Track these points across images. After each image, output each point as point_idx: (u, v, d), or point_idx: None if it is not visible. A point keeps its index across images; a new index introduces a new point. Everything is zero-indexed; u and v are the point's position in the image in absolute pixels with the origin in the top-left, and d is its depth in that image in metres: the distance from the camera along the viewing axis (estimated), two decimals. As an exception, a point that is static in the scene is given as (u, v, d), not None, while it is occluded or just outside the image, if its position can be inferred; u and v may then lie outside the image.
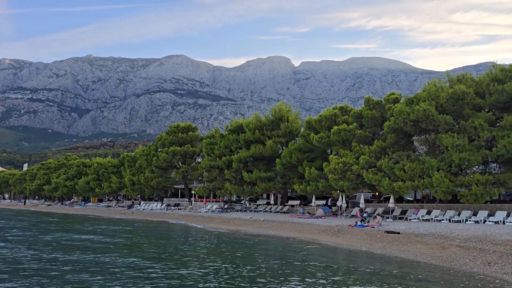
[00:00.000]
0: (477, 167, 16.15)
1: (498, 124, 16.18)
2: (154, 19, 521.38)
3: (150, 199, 39.87)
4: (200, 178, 32.72)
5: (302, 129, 25.38)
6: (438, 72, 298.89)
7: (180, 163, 33.22)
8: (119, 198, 44.55)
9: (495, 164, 16.45)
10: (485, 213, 15.15)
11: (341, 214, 20.29)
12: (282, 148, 26.28)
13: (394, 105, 19.43)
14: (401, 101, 19.72)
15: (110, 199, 45.24)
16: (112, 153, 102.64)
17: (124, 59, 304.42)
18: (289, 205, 25.17)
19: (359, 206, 20.39)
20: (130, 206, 37.20)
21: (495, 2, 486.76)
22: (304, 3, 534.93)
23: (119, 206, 39.10)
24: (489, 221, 14.58)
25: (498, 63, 17.04)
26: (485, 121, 15.63)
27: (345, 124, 20.70)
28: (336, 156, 20.08)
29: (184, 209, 31.20)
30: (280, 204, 26.40)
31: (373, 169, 18.41)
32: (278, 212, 24.19)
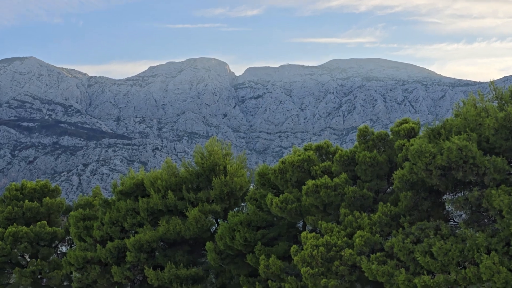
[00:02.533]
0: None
1: None
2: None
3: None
4: (66, 284, 30.41)
5: (251, 187, 25.42)
6: (479, 83, 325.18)
7: (27, 257, 30.80)
8: None
9: None
10: None
11: None
12: (217, 223, 25.88)
13: (408, 141, 19.91)
14: (420, 133, 20.17)
15: None
16: None
17: None
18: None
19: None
20: None
21: None
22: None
23: None
24: None
25: None
26: None
27: (326, 176, 20.64)
28: (314, 233, 19.41)
29: None
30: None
31: (378, 254, 17.70)
32: None
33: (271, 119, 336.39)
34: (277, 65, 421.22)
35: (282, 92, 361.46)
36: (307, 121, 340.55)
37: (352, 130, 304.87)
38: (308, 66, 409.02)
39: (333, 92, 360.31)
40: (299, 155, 22.53)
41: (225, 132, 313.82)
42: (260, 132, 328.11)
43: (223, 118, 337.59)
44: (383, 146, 21.57)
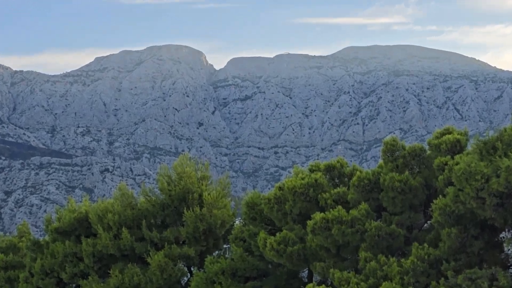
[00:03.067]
0: None
1: None
2: None
3: None
4: None
5: (237, 223, 25.86)
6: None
7: None
8: None
9: None
10: None
11: None
12: (190, 272, 25.81)
13: (453, 158, 20.12)
14: (469, 148, 20.64)
15: None
16: None
17: None
18: None
19: None
20: None
21: None
22: None
23: None
24: None
25: None
26: None
27: (340, 207, 20.83)
28: (324, 286, 19.90)
29: None
30: None
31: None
32: None
33: (264, 129, 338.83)
34: (272, 55, 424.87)
35: (278, 91, 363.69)
36: (314, 132, 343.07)
37: (375, 144, 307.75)
38: (314, 56, 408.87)
39: (348, 92, 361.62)
40: (303, 179, 22.84)
41: (201, 147, 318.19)
42: (249, 147, 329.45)
43: (198, 128, 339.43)
44: (418, 165, 21.91)
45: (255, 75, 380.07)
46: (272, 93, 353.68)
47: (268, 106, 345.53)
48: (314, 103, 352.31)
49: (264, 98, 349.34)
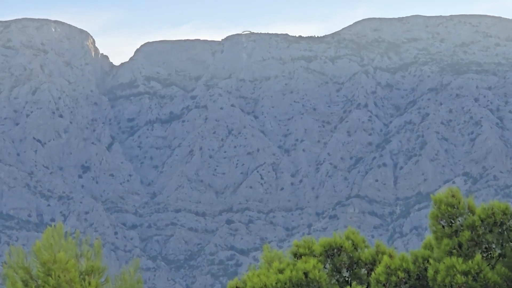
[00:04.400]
0: None
1: None
2: None
3: None
4: None
5: None
6: None
7: None
8: None
9: None
10: None
11: None
12: None
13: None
14: None
15: None
16: None
17: None
18: None
19: None
20: None
21: None
22: None
23: None
24: None
25: None
26: None
27: None
28: None
29: None
30: None
31: None
32: None
33: (206, 176, 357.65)
34: (220, 37, 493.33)
35: (233, 104, 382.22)
36: (301, 182, 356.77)
37: (418, 203, 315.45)
38: (300, 37, 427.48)
39: (366, 105, 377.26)
40: (281, 272, 27.27)
41: (87, 212, 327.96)
42: (178, 211, 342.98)
43: (80, 177, 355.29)
44: (499, 243, 26.31)
45: (187, 74, 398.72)
46: (221, 108, 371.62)
47: (214, 132, 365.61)
48: (301, 127, 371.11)
49: (206, 118, 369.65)
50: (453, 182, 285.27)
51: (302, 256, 27.20)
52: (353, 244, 27.21)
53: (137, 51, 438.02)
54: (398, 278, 24.37)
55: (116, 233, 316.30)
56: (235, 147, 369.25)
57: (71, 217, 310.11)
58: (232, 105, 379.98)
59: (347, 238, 27.37)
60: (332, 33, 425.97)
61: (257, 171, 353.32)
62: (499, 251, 24.96)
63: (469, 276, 23.07)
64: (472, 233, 24.60)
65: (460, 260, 23.43)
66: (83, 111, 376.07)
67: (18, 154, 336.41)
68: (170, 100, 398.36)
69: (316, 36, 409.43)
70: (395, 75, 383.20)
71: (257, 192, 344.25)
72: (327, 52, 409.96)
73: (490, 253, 24.79)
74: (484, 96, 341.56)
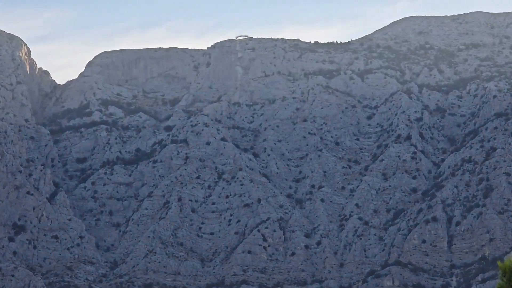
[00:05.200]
0: None
1: None
2: None
3: None
4: None
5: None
6: None
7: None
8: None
9: None
10: None
11: None
12: None
13: None
14: None
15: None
16: None
17: None
18: None
19: None
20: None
21: None
22: None
23: None
24: None
25: None
26: None
27: None
28: None
29: None
30: None
31: None
32: None
33: (188, 237, 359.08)
34: (205, 44, 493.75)
35: (224, 133, 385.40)
36: (320, 247, 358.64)
37: (487, 269, 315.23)
38: (316, 43, 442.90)
39: (408, 137, 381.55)
40: None
41: (24, 286, 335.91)
42: (148, 286, 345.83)
43: (11, 237, 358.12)
44: None
45: (160, 97, 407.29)
46: (208, 142, 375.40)
47: (197, 177, 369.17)
48: (318, 168, 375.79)
49: (187, 157, 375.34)
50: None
51: None
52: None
53: (89, 64, 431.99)
54: None
55: None
56: (227, 197, 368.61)
57: None
58: (222, 139, 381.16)
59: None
60: (361, 38, 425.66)
61: (259, 230, 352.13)
62: None
63: None
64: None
65: None
66: (14, 148, 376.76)
67: None
68: (137, 132, 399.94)
69: (338, 42, 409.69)
70: (448, 96, 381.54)
71: (259, 259, 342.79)
72: (354, 65, 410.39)
73: None
74: None
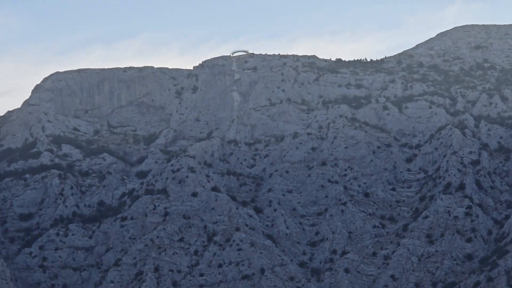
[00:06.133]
0: None
1: None
2: None
3: None
4: None
5: None
6: None
7: None
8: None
9: None
10: None
11: None
12: None
13: None
14: None
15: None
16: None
17: None
18: None
19: None
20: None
21: None
22: None
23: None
24: None
25: None
26: None
27: None
28: None
29: None
30: None
31: None
32: None
33: None
34: (191, 64, 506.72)
35: (217, 181, 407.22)
36: None
37: None
38: (338, 61, 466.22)
39: (453, 186, 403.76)
40: None
41: None
42: None
43: None
44: None
45: (131, 132, 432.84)
46: (195, 193, 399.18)
47: (181, 239, 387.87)
48: (342, 228, 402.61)
49: (166, 214, 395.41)
50: None
51: None
52: None
53: (37, 88, 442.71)
54: None
55: None
56: (220, 266, 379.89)
57: None
58: (214, 189, 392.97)
59: None
60: (398, 54, 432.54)
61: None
62: None
63: None
64: None
65: None
66: None
67: None
68: (99, 180, 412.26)
69: (368, 60, 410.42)
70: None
71: None
72: (388, 90, 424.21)
73: None
74: None
